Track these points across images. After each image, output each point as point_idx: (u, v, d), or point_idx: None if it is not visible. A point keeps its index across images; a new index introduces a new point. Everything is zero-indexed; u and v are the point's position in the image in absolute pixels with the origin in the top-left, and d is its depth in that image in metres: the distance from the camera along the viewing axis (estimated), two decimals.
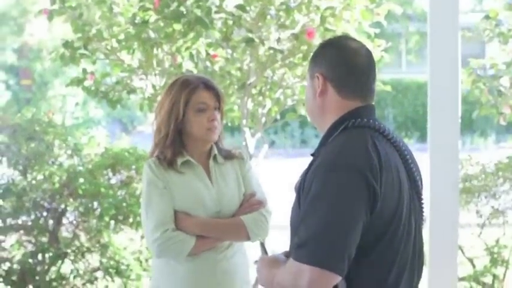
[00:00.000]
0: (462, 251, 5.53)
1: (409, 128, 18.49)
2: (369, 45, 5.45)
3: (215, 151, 3.25)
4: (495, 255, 5.44)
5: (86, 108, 19.41)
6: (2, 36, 19.53)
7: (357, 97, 2.37)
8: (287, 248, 2.40)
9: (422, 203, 2.42)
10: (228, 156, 3.29)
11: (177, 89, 3.16)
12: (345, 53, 2.39)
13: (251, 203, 3.21)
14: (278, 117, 5.85)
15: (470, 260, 5.62)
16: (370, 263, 2.22)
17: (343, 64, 2.36)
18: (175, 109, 3.14)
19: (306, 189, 2.24)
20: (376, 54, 5.52)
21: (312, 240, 2.13)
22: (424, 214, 2.42)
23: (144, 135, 19.03)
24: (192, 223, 3.10)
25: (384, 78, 14.54)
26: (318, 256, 2.11)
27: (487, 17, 5.97)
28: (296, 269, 2.15)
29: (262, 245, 2.77)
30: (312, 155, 2.38)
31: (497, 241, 5.51)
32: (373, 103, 2.41)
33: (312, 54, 2.48)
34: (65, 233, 5.52)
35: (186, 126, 3.17)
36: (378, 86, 6.02)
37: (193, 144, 3.20)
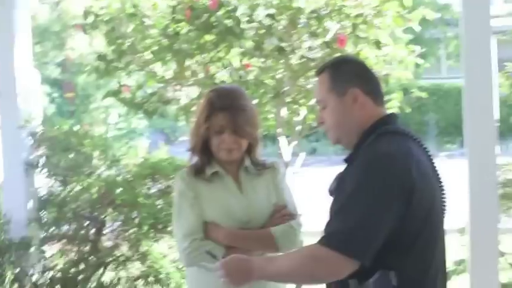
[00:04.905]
0: (504, 256, 5.44)
1: (451, 134, 18.27)
2: (402, 51, 5.43)
3: (246, 162, 3.25)
4: None
5: (128, 119, 19.59)
6: (45, 51, 19.82)
7: (382, 102, 2.60)
8: None
9: (445, 205, 2.53)
10: (261, 166, 3.29)
11: (202, 106, 3.20)
12: (365, 66, 2.65)
13: (282, 215, 3.18)
14: (315, 124, 5.84)
15: None
16: (415, 253, 2.36)
17: (370, 75, 2.60)
18: (199, 125, 3.17)
19: (345, 188, 2.39)
20: (411, 60, 5.50)
21: (345, 231, 2.30)
22: (445, 215, 2.53)
23: (187, 145, 18.89)
24: (221, 233, 3.11)
25: (423, 83, 14.43)
26: (348, 245, 2.29)
27: None
28: (322, 253, 2.31)
29: (209, 252, 2.90)
30: (345, 160, 2.54)
31: None
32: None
33: (327, 75, 2.59)
34: (106, 242, 5.57)
35: (210, 142, 3.19)
36: (415, 92, 6.02)
37: None
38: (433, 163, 2.51)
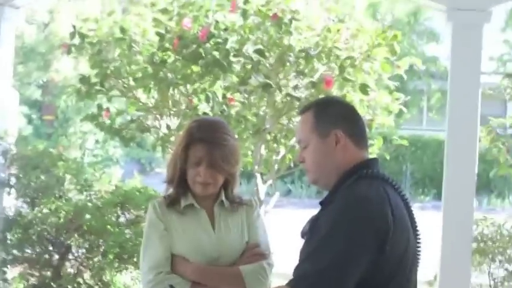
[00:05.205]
0: None
1: (426, 185, 18.32)
2: (387, 98, 5.41)
3: (222, 196, 3.16)
4: None
5: (105, 146, 19.45)
6: (28, 72, 19.68)
7: (366, 146, 2.55)
8: None
9: (419, 250, 2.52)
10: (236, 202, 3.19)
11: (182, 136, 3.11)
12: (353, 108, 2.63)
13: (253, 253, 3.07)
14: (292, 165, 5.79)
15: None
16: None
17: (356, 118, 2.56)
18: (178, 157, 3.08)
19: (318, 229, 2.36)
20: (395, 108, 5.49)
21: (315, 275, 2.26)
22: (419, 261, 2.52)
23: (161, 176, 18.69)
24: (189, 268, 3.00)
25: (403, 134, 14.48)
26: None
27: (509, 76, 5.91)
28: None
29: (172, 287, 2.83)
30: (320, 203, 2.48)
31: None
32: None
33: (311, 115, 2.55)
34: (69, 268, 5.45)
35: (187, 174, 3.10)
36: (395, 140, 6.00)
37: None
38: (410, 210, 2.50)
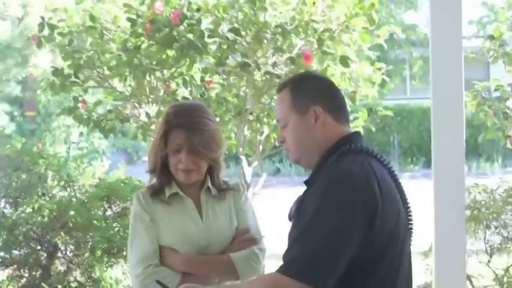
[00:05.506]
0: (470, 280, 5.33)
1: (414, 154, 18.32)
2: (369, 68, 5.33)
3: (208, 183, 3.06)
4: (505, 286, 5.25)
5: (90, 139, 19.31)
6: (7, 68, 19.47)
7: (347, 120, 2.51)
8: None
9: (411, 222, 2.49)
10: (223, 187, 3.10)
11: (160, 123, 3.01)
12: (330, 83, 2.60)
13: (243, 239, 3.00)
14: (277, 144, 5.70)
15: None
16: (376, 280, 2.31)
17: (334, 92, 2.52)
18: (158, 145, 2.98)
19: (305, 210, 2.31)
20: (377, 78, 5.41)
21: (305, 258, 2.21)
22: (412, 232, 2.50)
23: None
24: (178, 259, 2.92)
25: (388, 104, 14.45)
26: (307, 272, 2.20)
27: (491, 38, 5.84)
28: (282, 282, 2.22)
29: (159, 282, 2.75)
30: (305, 182, 2.44)
31: (506, 270, 5.32)
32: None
33: (288, 93, 2.49)
34: (59, 267, 5.36)
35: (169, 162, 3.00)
36: (380, 111, 5.92)
37: None
38: (398, 182, 2.47)
